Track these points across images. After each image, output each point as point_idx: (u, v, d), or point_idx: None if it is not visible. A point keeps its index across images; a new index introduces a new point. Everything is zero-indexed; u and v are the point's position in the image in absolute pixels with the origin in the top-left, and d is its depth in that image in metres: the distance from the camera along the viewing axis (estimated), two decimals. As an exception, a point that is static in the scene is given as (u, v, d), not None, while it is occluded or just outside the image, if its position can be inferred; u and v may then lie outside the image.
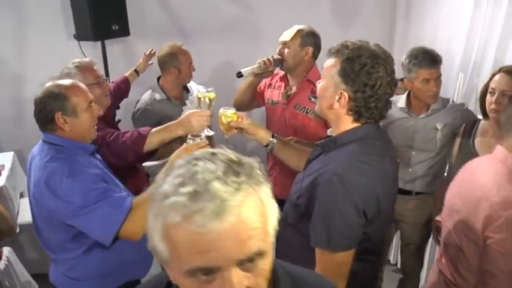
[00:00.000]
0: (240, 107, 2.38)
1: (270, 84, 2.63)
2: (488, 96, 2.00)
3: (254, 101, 2.65)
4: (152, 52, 3.43)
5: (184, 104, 2.73)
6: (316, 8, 4.25)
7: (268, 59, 2.35)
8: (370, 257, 1.52)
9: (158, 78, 2.94)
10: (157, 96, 2.81)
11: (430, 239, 2.86)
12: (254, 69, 2.35)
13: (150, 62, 3.45)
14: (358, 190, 1.35)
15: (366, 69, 1.35)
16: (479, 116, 2.43)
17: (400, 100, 2.49)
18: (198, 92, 2.07)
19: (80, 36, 3.75)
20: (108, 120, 2.39)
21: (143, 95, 2.94)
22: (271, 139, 1.89)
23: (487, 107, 2.02)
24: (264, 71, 2.37)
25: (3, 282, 2.73)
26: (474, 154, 2.03)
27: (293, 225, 1.53)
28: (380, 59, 1.38)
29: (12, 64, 3.93)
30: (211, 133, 2.00)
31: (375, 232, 1.46)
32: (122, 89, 3.12)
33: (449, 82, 3.69)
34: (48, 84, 1.73)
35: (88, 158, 1.76)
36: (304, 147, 1.94)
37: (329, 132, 1.75)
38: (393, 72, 1.42)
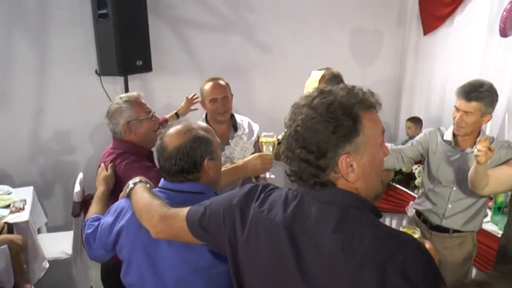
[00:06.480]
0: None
1: None
2: None
3: None
4: (195, 97, 3.19)
5: (228, 144, 2.66)
6: (332, 49, 4.45)
7: None
8: None
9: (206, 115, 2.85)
10: None
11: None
12: None
13: (193, 108, 3.24)
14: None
15: None
16: None
17: (446, 132, 2.44)
18: (261, 137, 2.17)
19: (103, 71, 3.79)
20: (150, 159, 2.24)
21: None
22: None
23: None
24: None
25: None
26: None
27: None
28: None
29: (32, 99, 3.91)
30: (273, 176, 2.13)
31: None
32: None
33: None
34: (180, 127, 1.54)
35: None
36: None
37: None
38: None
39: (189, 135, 1.50)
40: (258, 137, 2.23)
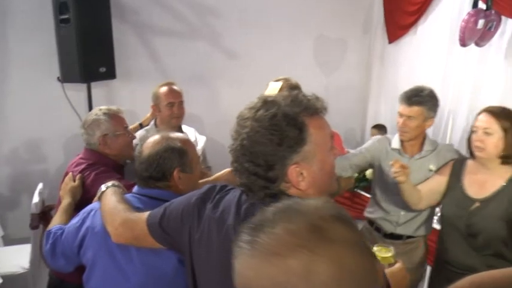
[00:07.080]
0: None
1: None
2: (472, 135, 2.06)
3: None
4: None
5: None
6: (299, 56, 4.45)
7: None
8: None
9: (156, 119, 2.87)
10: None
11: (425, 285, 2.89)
12: None
13: None
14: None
15: None
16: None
17: (393, 140, 2.45)
18: None
19: (66, 78, 3.69)
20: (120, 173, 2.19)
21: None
22: None
23: (472, 146, 2.07)
24: None
25: None
26: (463, 193, 2.09)
27: None
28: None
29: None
30: None
31: None
32: None
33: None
34: (159, 136, 1.58)
35: None
36: None
37: None
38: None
39: (163, 145, 1.54)
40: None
